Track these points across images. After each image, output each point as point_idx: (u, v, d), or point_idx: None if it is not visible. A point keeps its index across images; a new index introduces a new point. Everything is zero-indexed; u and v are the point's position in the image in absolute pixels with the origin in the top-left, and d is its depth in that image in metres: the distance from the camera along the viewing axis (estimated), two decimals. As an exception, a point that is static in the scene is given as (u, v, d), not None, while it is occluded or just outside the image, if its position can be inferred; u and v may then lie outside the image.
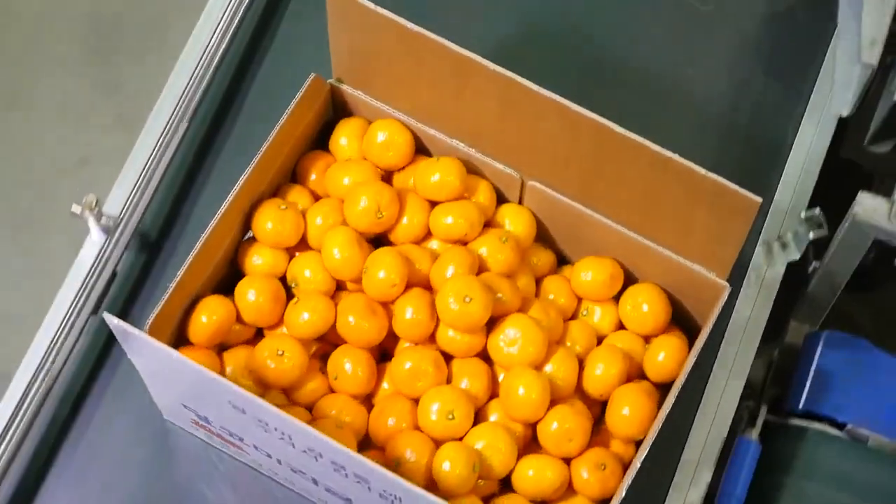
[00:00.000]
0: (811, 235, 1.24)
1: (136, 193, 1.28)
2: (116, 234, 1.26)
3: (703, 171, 1.03)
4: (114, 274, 1.27)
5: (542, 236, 1.24)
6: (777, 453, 1.25)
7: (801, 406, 1.27)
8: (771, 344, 1.34)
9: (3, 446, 1.17)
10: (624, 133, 1.04)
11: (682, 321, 1.21)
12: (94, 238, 1.25)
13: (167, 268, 1.28)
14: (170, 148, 1.31)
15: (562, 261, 1.26)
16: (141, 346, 1.01)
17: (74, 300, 1.23)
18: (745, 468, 1.22)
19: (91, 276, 1.24)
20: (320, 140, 1.26)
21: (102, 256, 1.25)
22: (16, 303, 1.89)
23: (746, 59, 1.44)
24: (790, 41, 1.45)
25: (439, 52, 1.09)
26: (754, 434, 1.25)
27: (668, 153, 1.03)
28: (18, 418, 1.18)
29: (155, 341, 0.99)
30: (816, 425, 1.26)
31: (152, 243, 1.30)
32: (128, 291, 1.28)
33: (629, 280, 1.22)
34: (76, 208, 1.22)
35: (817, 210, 1.25)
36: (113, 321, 0.98)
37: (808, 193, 1.35)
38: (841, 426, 1.25)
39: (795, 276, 1.32)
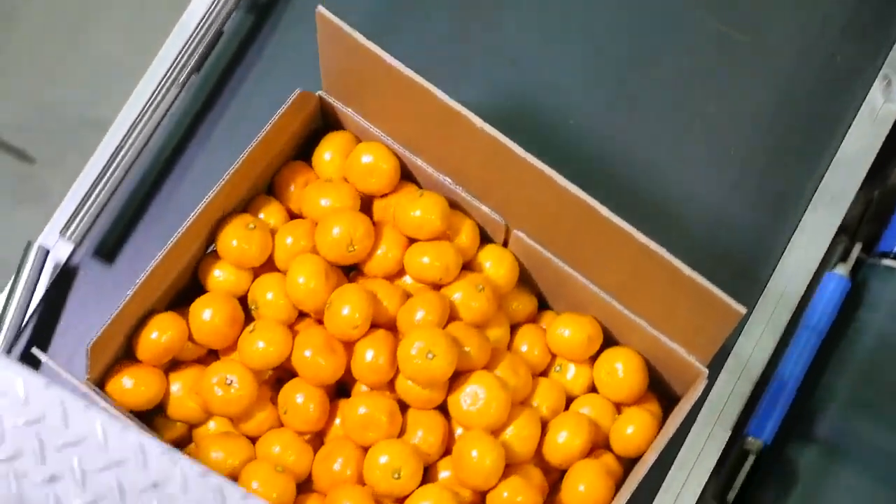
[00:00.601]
0: None
1: None
2: (227, -9, 1.24)
3: (687, 270, 0.95)
4: (220, 33, 1.25)
5: (525, 279, 1.17)
6: (866, 292, 1.23)
7: None
8: (873, 182, 1.30)
9: (97, 190, 1.19)
10: (609, 218, 0.97)
11: (659, 387, 1.15)
12: None
13: (275, 33, 1.28)
14: None
15: (543, 303, 1.19)
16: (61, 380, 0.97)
17: (179, 55, 1.22)
18: (830, 302, 1.20)
19: (197, 33, 1.23)
20: (306, 149, 1.19)
21: (211, 13, 1.23)
22: (121, 53, 1.86)
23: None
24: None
25: (425, 96, 1.00)
26: (845, 270, 1.23)
27: (654, 246, 0.96)
28: (114, 167, 1.19)
29: (73, 381, 0.94)
30: None
31: (262, 6, 1.29)
32: (231, 53, 1.27)
33: (608, 341, 1.15)
34: None
35: None
36: (41, 357, 0.94)
37: None
38: None
39: None
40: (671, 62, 1.32)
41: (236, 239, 1.11)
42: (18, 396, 0.80)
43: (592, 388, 1.15)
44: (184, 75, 1.22)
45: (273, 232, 1.13)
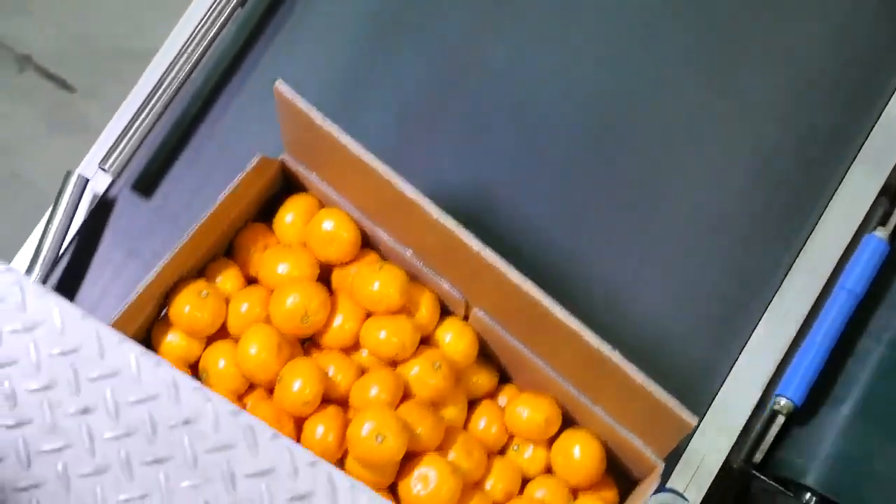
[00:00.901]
0: None
1: None
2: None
3: (639, 378, 0.93)
4: None
5: (485, 352, 1.14)
6: None
7: None
8: None
9: (137, 123, 1.18)
10: (562, 319, 0.94)
11: (616, 468, 1.12)
12: None
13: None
14: None
15: (505, 376, 1.16)
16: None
17: None
18: (868, 265, 1.18)
19: None
20: (268, 209, 1.16)
21: None
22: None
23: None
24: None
25: (380, 180, 0.98)
26: (884, 233, 1.20)
27: (607, 351, 0.93)
28: (155, 99, 1.18)
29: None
30: None
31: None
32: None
33: (568, 421, 1.12)
34: None
35: None
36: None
37: None
38: None
39: None
40: (651, 126, 1.28)
41: (189, 305, 1.08)
42: (55, 326, 0.80)
43: (550, 469, 1.13)
44: (228, 8, 1.22)
45: (228, 298, 1.11)
